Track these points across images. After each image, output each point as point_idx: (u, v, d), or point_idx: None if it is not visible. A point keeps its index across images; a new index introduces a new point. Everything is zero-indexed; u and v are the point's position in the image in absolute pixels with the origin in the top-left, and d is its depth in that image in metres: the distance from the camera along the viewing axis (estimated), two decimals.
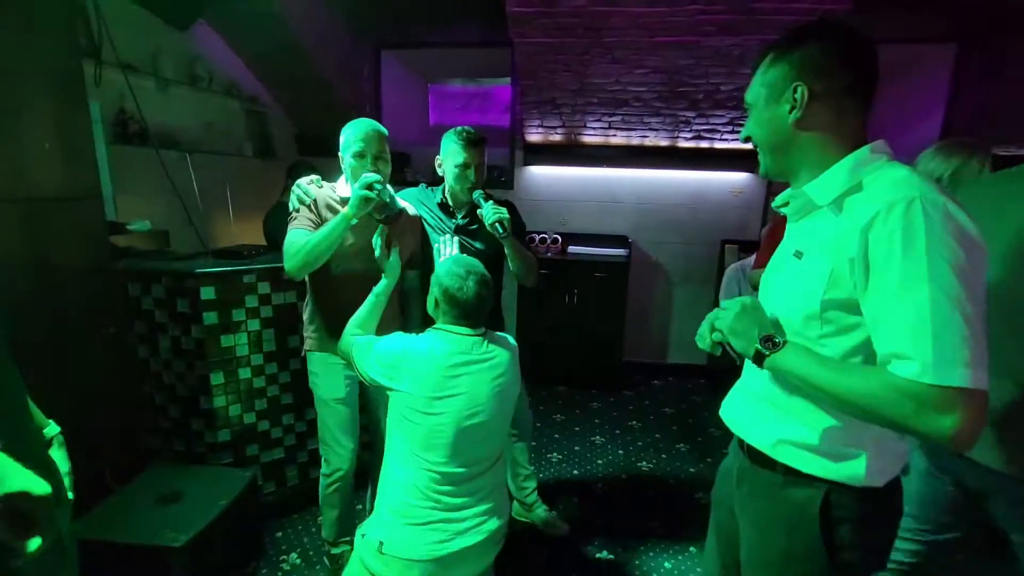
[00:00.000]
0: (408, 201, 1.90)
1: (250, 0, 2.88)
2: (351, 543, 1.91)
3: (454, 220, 1.92)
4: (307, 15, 3.32)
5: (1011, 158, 2.01)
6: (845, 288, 0.82)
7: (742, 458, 1.05)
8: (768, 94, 0.91)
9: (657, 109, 3.56)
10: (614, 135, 3.85)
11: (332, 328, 1.73)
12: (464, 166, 1.80)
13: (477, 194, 1.82)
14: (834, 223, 0.85)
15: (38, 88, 1.78)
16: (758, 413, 1.00)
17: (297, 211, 1.70)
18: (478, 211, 1.79)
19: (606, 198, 4.10)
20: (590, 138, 3.92)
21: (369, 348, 1.42)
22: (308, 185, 1.74)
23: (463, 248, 1.82)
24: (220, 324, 2.13)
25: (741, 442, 1.05)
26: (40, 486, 0.71)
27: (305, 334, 1.82)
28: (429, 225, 1.92)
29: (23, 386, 1.01)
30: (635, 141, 3.88)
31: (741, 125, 3.61)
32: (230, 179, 3.43)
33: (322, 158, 3.41)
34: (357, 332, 1.52)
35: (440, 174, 1.90)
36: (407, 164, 4.44)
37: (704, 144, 3.81)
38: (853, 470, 0.87)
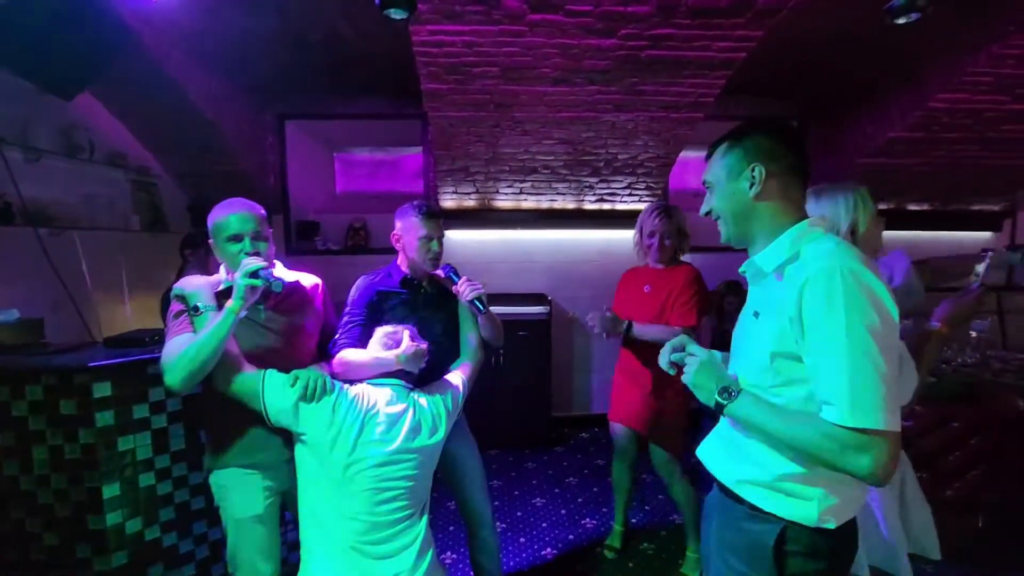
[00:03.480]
0: (363, 295, 1.79)
1: (141, 68, 2.72)
2: None
3: (421, 293, 1.87)
4: (207, 85, 3.20)
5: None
6: (788, 343, 0.95)
7: (717, 492, 1.15)
8: (727, 174, 1.07)
9: (563, 175, 3.83)
10: (525, 199, 4.06)
11: (235, 435, 1.54)
12: (427, 238, 1.79)
13: (447, 269, 1.83)
14: (778, 287, 1.00)
15: None
16: (726, 452, 1.11)
17: (176, 315, 1.47)
18: (452, 287, 1.79)
19: (522, 258, 4.25)
20: (502, 202, 4.09)
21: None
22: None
23: (424, 321, 1.80)
24: (117, 425, 1.83)
25: (715, 479, 1.14)
26: None
27: (207, 444, 1.59)
28: (388, 307, 1.80)
29: None
30: (544, 205, 4.12)
31: (638, 189, 4.01)
32: (116, 256, 3.07)
33: None
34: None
35: (399, 248, 1.86)
36: (317, 232, 4.29)
37: (607, 206, 4.14)
38: (805, 511, 0.98)
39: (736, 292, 3.71)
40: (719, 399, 1.02)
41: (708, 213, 1.14)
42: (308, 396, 1.41)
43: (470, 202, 4.06)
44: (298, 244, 4.24)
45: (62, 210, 2.77)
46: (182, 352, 1.36)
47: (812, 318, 0.90)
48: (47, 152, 2.67)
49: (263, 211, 1.60)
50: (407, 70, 2.99)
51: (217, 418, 1.57)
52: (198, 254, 3.10)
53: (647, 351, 2.20)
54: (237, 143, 3.57)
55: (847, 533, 1.02)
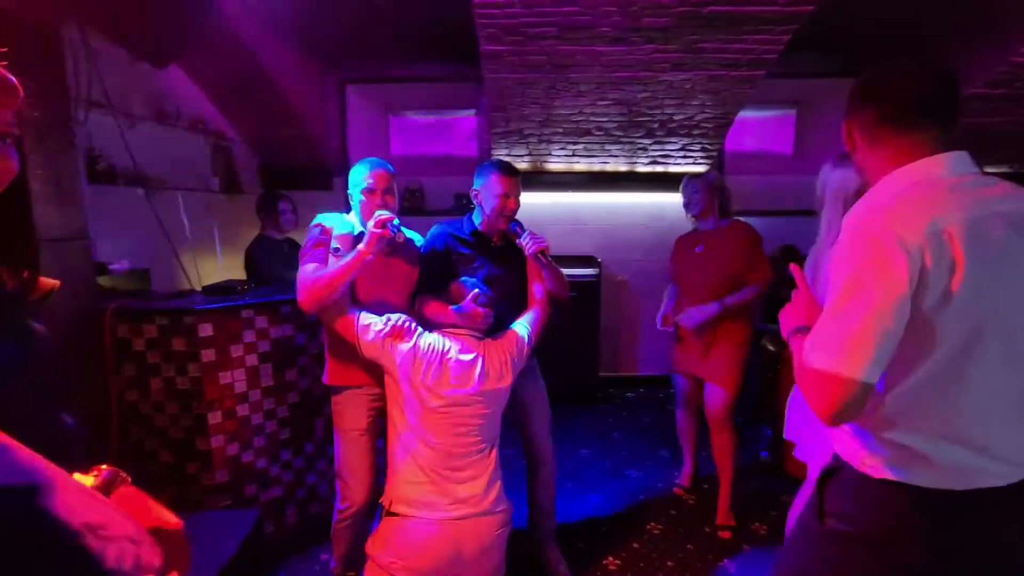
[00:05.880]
0: (437, 238, 1.98)
1: (218, 36, 2.90)
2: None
3: (491, 246, 2.01)
4: (277, 52, 3.36)
5: None
6: None
7: None
8: None
9: (617, 137, 3.82)
10: (577, 162, 4.09)
11: (351, 360, 1.77)
12: (504, 196, 1.90)
13: (514, 224, 1.94)
14: None
15: (26, 127, 1.74)
16: None
17: (310, 249, 1.72)
18: (517, 241, 1.91)
19: (572, 220, 4.31)
20: (555, 165, 4.14)
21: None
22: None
23: (494, 274, 1.94)
24: (217, 361, 2.09)
25: None
26: (172, 518, 0.68)
27: (328, 367, 1.84)
28: (458, 254, 1.96)
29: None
30: (597, 167, 4.13)
31: (693, 151, 3.95)
32: (203, 214, 3.35)
33: (289, 190, 3.43)
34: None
35: (475, 203, 2.00)
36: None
37: (660, 168, 4.11)
38: (849, 454, 0.99)
39: (794, 256, 3.65)
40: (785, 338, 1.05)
41: None
42: (394, 335, 1.62)
43: (523, 164, 4.12)
44: None
45: (154, 172, 3.05)
46: (315, 280, 1.62)
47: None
48: (141, 118, 2.92)
49: (394, 170, 1.85)
50: (465, 32, 3.04)
51: (335, 348, 1.81)
52: (271, 215, 3.34)
53: (701, 299, 2.36)
54: (303, 108, 3.75)
55: (891, 489, 0.92)
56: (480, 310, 1.71)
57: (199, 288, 2.48)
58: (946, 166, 0.93)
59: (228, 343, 2.11)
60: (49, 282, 0.96)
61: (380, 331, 1.62)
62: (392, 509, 1.54)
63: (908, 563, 0.92)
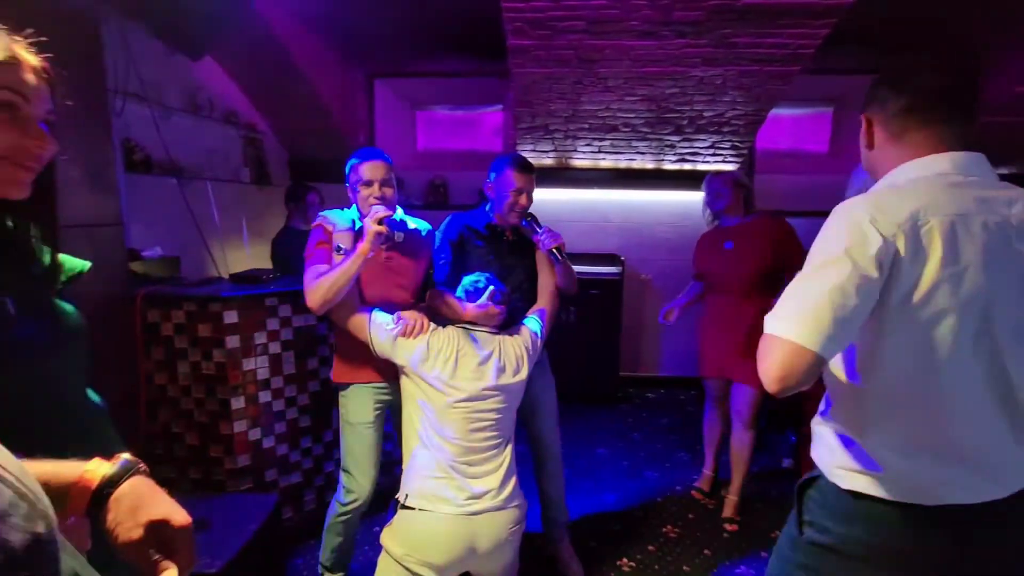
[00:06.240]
0: (451, 228, 1.98)
1: (251, 29, 2.96)
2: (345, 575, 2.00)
3: (504, 240, 2.00)
4: (306, 45, 3.41)
5: None
6: None
7: None
8: None
9: (644, 134, 3.76)
10: (603, 158, 4.04)
11: (358, 359, 1.78)
12: (518, 191, 1.89)
13: (529, 218, 1.93)
14: None
15: (64, 116, 1.80)
16: None
17: (314, 248, 1.72)
18: (533, 236, 1.90)
19: (596, 218, 4.26)
20: (580, 161, 4.10)
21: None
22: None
23: (507, 268, 1.93)
24: (241, 348, 2.13)
25: None
26: (180, 515, 0.68)
27: (335, 366, 1.85)
28: (473, 246, 1.97)
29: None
30: (623, 164, 4.07)
31: (722, 148, 3.86)
32: (233, 204, 3.43)
33: (317, 183, 3.48)
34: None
35: (489, 196, 2.00)
36: (400, 188, 4.51)
37: (688, 166, 4.03)
38: (822, 462, 0.98)
39: None
40: None
41: None
42: (406, 334, 1.62)
43: (547, 160, 4.10)
44: None
45: (188, 162, 3.13)
46: (320, 281, 1.62)
47: None
48: (176, 109, 3.00)
49: (391, 160, 1.80)
50: (492, 27, 3.02)
51: (343, 348, 1.82)
52: (300, 206, 3.39)
53: (733, 299, 2.36)
54: (331, 101, 3.80)
55: (865, 501, 0.89)
56: (496, 308, 1.70)
57: (226, 276, 2.54)
58: (954, 165, 0.90)
59: (252, 330, 2.16)
60: (79, 263, 0.99)
61: (391, 330, 1.63)
62: (407, 503, 1.55)
63: None
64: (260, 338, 2.18)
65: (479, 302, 1.70)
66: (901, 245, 0.82)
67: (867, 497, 0.90)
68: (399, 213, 1.84)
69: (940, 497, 0.87)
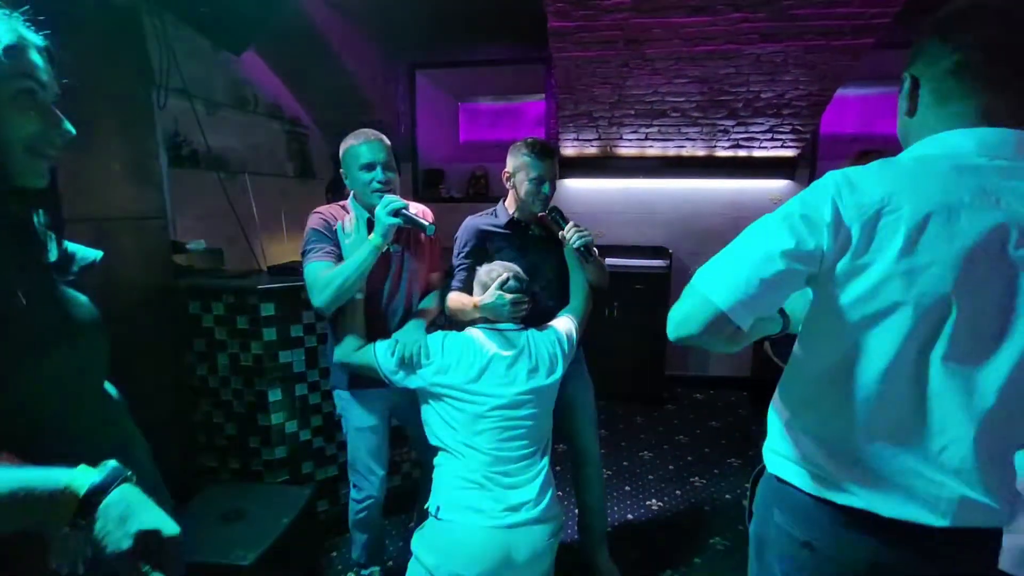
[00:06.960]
0: (465, 233, 1.85)
1: (293, 23, 2.96)
2: (381, 567, 1.97)
3: (528, 235, 1.86)
4: (348, 38, 3.41)
5: None
6: None
7: None
8: None
9: (695, 119, 3.54)
10: (650, 146, 3.84)
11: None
12: (539, 180, 1.74)
13: (553, 212, 1.78)
14: None
15: (110, 111, 1.83)
16: None
17: (315, 244, 1.61)
18: (561, 233, 1.73)
19: (643, 209, 4.08)
20: (625, 150, 3.92)
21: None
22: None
23: (533, 264, 1.79)
24: (279, 340, 2.13)
25: None
26: (170, 526, 0.67)
27: (333, 373, 1.77)
28: (494, 247, 1.83)
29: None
30: (671, 152, 3.87)
31: (782, 132, 3.59)
32: (276, 198, 3.48)
33: None
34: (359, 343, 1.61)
35: (508, 187, 1.86)
36: (442, 180, 4.49)
37: (742, 153, 3.78)
38: (765, 451, 0.97)
39: None
40: None
41: None
42: (406, 364, 1.51)
43: (591, 149, 3.94)
44: (424, 192, 4.47)
45: (233, 156, 3.19)
46: (327, 278, 1.52)
47: None
48: (222, 105, 3.06)
49: (387, 140, 1.68)
50: (533, 13, 2.91)
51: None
52: (340, 197, 3.41)
53: None
54: (373, 94, 3.80)
55: (822, 510, 0.84)
56: (508, 295, 1.53)
57: (265, 268, 2.56)
58: (980, 144, 0.75)
59: (288, 323, 2.15)
60: (91, 252, 0.96)
61: (394, 361, 1.53)
62: (439, 516, 1.46)
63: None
64: (296, 331, 2.18)
65: (486, 294, 1.56)
66: (856, 230, 0.74)
67: (790, 487, 0.89)
68: (412, 206, 1.71)
69: (848, 499, 0.82)
